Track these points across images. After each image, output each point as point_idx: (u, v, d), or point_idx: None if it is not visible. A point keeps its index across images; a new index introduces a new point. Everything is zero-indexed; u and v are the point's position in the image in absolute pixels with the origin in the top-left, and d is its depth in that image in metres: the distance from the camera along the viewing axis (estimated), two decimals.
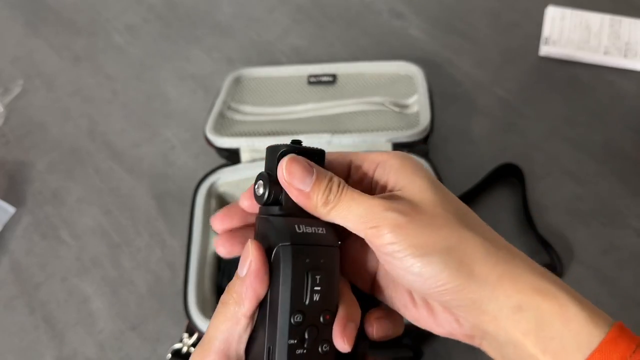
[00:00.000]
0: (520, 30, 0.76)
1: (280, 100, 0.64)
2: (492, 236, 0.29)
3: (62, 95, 0.74)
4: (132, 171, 0.66)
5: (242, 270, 0.28)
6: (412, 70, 0.64)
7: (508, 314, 0.27)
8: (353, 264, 0.33)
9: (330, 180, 0.29)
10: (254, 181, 0.30)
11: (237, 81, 0.66)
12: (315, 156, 0.30)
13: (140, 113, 0.71)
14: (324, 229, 0.29)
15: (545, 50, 0.72)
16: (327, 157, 0.31)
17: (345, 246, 0.33)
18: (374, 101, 0.61)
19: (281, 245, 0.27)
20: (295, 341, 0.27)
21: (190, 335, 0.51)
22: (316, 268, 0.28)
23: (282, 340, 0.27)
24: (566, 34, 0.72)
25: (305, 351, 0.28)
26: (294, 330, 0.27)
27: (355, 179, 0.32)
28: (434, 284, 0.27)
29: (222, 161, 0.61)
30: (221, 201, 0.60)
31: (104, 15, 0.82)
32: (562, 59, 0.72)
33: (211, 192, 0.58)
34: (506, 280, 0.27)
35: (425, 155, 0.57)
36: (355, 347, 0.29)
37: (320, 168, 0.29)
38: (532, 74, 0.71)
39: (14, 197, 0.64)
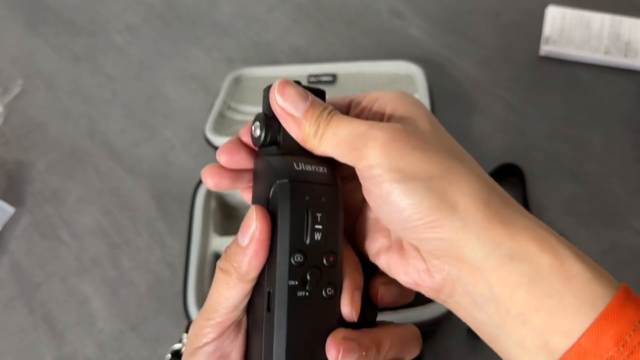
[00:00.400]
0: (520, 29, 0.76)
1: None
2: (488, 178, 0.26)
3: (61, 95, 0.74)
4: (131, 171, 0.66)
5: (244, 238, 0.26)
6: (412, 70, 0.64)
7: (494, 265, 0.23)
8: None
9: (325, 108, 0.27)
10: (251, 122, 0.29)
11: (237, 81, 0.66)
12: (316, 95, 0.29)
13: (140, 113, 0.71)
14: (324, 168, 0.28)
15: (545, 49, 0.72)
16: (327, 100, 0.30)
17: None
18: None
19: (279, 183, 0.26)
20: (296, 282, 0.25)
21: None
22: (317, 206, 0.26)
23: (282, 282, 0.25)
24: (566, 34, 0.72)
25: (307, 294, 0.26)
26: (295, 271, 0.25)
27: (353, 115, 0.29)
28: (411, 216, 0.24)
29: None
30: (221, 201, 0.60)
31: (104, 15, 0.82)
32: (562, 59, 0.72)
33: (211, 192, 0.58)
34: (497, 223, 0.24)
35: None
36: (362, 313, 0.28)
37: (317, 98, 0.28)
38: (533, 73, 0.71)
39: (14, 197, 0.64)
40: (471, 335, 0.50)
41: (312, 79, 0.65)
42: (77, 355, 0.54)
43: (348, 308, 0.27)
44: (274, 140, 0.28)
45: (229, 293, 0.26)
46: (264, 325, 0.26)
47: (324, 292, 0.26)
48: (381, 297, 0.29)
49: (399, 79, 0.64)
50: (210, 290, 0.27)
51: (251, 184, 0.29)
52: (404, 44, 0.75)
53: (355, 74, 0.65)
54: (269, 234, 0.26)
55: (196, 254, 0.54)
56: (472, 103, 0.69)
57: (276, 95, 0.27)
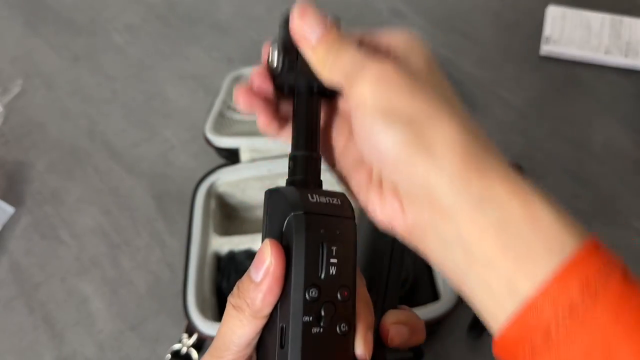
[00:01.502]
0: (520, 29, 0.75)
1: None
2: (473, 124, 0.26)
3: (61, 95, 0.74)
4: (131, 171, 0.66)
5: (258, 274, 0.25)
6: None
7: (464, 209, 0.24)
8: (326, 132, 0.31)
9: (340, 36, 0.27)
10: (269, 50, 0.29)
11: (237, 81, 0.66)
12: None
13: (140, 113, 0.71)
14: (339, 199, 0.27)
15: (546, 49, 0.72)
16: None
17: (328, 111, 0.31)
18: None
19: (293, 215, 0.25)
20: (311, 318, 0.25)
21: (190, 335, 0.51)
22: (332, 239, 0.26)
23: (297, 317, 0.25)
24: (567, 34, 0.72)
25: (321, 330, 0.25)
26: (309, 307, 0.25)
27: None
28: (388, 153, 0.25)
29: (222, 161, 0.61)
30: (221, 201, 0.60)
31: (103, 15, 0.82)
32: (562, 59, 0.72)
33: (211, 192, 0.58)
34: (472, 168, 0.24)
35: None
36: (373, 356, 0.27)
37: (337, 26, 0.28)
38: (533, 73, 0.71)
39: (14, 197, 0.64)
40: (471, 335, 0.50)
41: None
42: (76, 355, 0.54)
43: (361, 349, 0.27)
44: (290, 66, 0.28)
45: (242, 330, 0.26)
46: None
47: (337, 329, 0.26)
48: (392, 338, 0.29)
49: None
50: (221, 327, 0.27)
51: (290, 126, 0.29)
52: None
53: None
54: (284, 269, 0.25)
55: (196, 254, 0.54)
56: (472, 103, 0.69)
57: (296, 17, 0.27)
